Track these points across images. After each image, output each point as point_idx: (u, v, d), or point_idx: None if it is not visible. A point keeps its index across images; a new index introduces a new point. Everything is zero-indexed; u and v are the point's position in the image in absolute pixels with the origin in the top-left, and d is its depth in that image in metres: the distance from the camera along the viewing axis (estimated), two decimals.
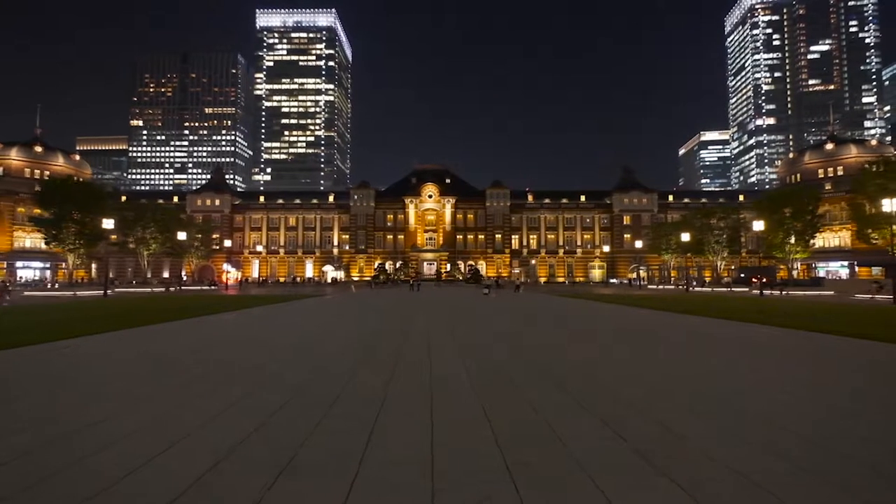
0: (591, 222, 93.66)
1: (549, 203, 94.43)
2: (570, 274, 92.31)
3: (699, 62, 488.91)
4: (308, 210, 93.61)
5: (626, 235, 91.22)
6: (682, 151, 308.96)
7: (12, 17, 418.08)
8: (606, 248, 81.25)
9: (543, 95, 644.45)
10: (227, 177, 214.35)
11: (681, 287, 61.82)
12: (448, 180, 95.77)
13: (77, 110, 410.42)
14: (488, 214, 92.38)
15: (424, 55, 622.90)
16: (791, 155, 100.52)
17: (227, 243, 71.11)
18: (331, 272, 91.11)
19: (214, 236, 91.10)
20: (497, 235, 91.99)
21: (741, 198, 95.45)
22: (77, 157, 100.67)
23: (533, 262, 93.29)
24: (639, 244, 66.29)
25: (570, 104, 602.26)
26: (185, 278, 77.56)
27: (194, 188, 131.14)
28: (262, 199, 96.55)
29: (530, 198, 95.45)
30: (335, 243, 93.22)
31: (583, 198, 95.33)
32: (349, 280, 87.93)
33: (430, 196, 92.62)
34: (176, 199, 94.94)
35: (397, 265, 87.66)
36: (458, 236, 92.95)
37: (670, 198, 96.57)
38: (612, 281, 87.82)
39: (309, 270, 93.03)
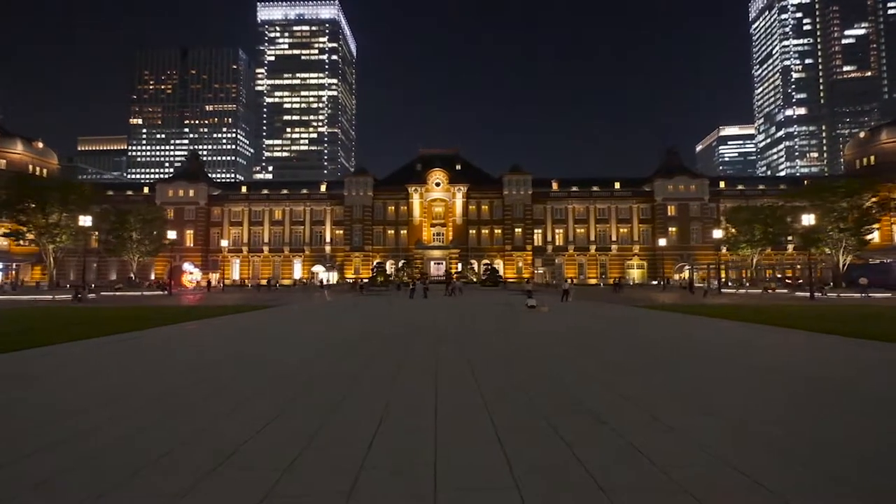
0: (629, 213, 77.73)
1: (578, 191, 78.68)
2: (604, 274, 76.40)
3: (717, 54, 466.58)
4: (296, 201, 78.79)
5: (670, 228, 75.18)
6: (699, 148, 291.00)
7: (11, 17, 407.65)
8: (662, 242, 64.43)
9: (557, 93, 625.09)
10: (228, 176, 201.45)
11: (771, 290, 45.72)
12: (458, 166, 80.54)
13: (81, 111, 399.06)
14: (506, 205, 76.90)
15: (435, 49, 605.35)
16: (862, 135, 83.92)
17: (172, 235, 55.79)
18: (322, 273, 76.19)
19: (189, 232, 76.74)
20: (517, 229, 76.45)
21: (805, 183, 79.03)
22: (40, 145, 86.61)
23: (558, 260, 77.62)
24: (717, 234, 50.35)
25: (583, 101, 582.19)
26: (139, 280, 63.11)
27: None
28: (244, 189, 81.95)
29: (555, 185, 79.80)
30: (327, 239, 78.28)
31: (617, 185, 79.50)
32: (341, 281, 72.85)
33: (437, 184, 77.40)
34: (147, 190, 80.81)
35: (399, 264, 72.53)
36: (470, 231, 77.60)
37: (721, 184, 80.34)
38: (656, 282, 71.67)
39: (297, 271, 78.18)
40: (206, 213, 77.95)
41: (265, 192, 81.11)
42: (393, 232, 77.81)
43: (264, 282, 74.62)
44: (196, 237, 76.38)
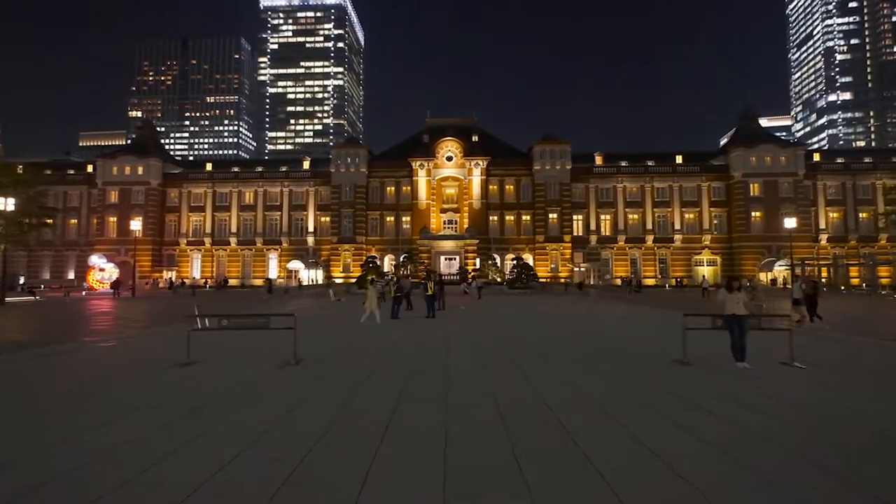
0: (696, 194, 58.45)
1: (629, 167, 59.64)
2: (665, 272, 57.27)
3: (742, 43, 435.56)
4: (271, 181, 60.86)
5: (754, 213, 55.79)
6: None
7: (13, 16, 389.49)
8: (796, 225, 43.03)
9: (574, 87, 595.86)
10: None
11: None
12: (476, 137, 62.01)
13: (90, 107, 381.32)
14: (537, 184, 58.15)
15: (450, 38, 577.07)
16: None
17: (70, 217, 37.41)
18: (303, 270, 58.27)
19: (136, 219, 59.22)
20: (551, 215, 57.62)
21: None
22: None
23: (605, 254, 58.66)
24: None
25: (597, 98, 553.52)
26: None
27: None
28: (209, 166, 64.22)
29: (598, 160, 60.85)
30: (310, 228, 60.25)
31: (679, 158, 60.31)
32: (327, 281, 54.70)
33: (449, 158, 59.00)
34: (90, 168, 63.55)
35: (401, 259, 54.16)
36: (491, 217, 59.04)
37: (816, 157, 60.58)
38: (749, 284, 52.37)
39: (273, 268, 60.27)
40: (160, 196, 60.43)
41: (235, 169, 63.33)
42: (392, 219, 59.54)
43: (236, 280, 56.98)
44: (146, 226, 58.77)
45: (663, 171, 58.58)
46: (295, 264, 57.08)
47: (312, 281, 58.46)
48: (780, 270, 53.54)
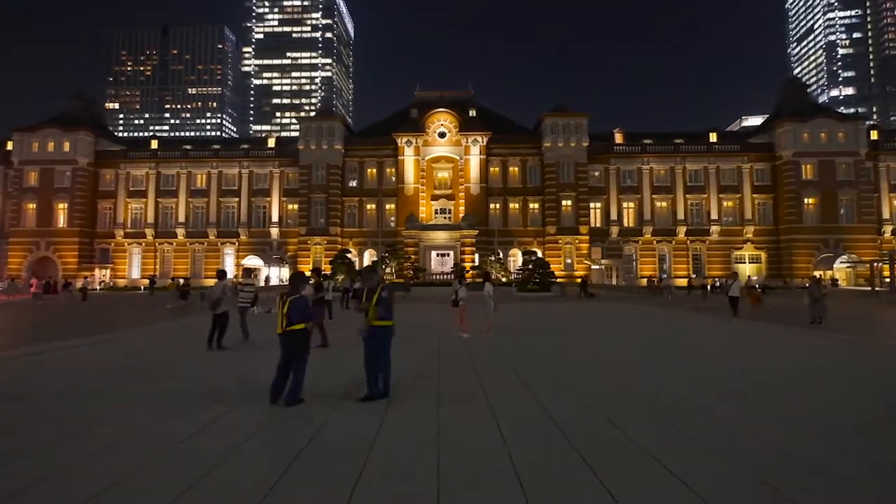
0: (736, 177, 48.16)
1: (656, 146, 49.24)
2: (700, 271, 46.88)
3: (730, 39, 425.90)
4: (227, 161, 49.49)
5: (807, 199, 45.62)
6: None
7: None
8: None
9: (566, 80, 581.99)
10: None
11: None
12: (473, 112, 51.09)
13: (61, 96, 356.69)
14: (547, 165, 47.50)
15: (444, 32, 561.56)
16: None
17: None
18: (264, 268, 47.08)
19: (61, 206, 47.76)
20: (564, 202, 46.95)
21: None
22: None
23: (628, 249, 48.17)
24: None
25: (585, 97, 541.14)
26: None
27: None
28: (154, 144, 52.48)
29: (619, 138, 50.35)
30: (274, 218, 48.98)
31: (713, 136, 50.12)
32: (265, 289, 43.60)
33: (442, 134, 48.15)
34: (10, 145, 51.63)
35: (383, 254, 43.13)
36: (492, 205, 48.26)
37: (874, 134, 50.47)
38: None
39: (228, 265, 48.82)
40: (92, 179, 48.83)
41: (187, 147, 51.81)
42: (374, 206, 48.49)
43: (184, 281, 45.15)
44: (72, 214, 47.31)
45: (697, 151, 48.24)
46: (253, 260, 45.88)
47: (280, 280, 47.27)
48: (842, 268, 43.49)
